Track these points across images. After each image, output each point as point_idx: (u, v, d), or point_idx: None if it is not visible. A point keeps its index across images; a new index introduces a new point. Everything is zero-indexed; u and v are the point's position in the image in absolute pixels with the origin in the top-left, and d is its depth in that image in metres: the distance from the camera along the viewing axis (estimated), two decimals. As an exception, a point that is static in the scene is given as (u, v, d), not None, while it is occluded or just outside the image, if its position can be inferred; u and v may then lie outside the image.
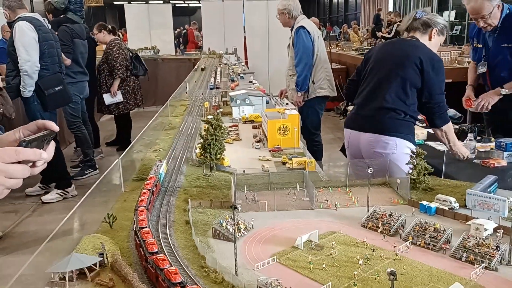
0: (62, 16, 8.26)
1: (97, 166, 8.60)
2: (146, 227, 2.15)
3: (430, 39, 4.12)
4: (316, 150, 7.28)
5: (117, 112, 9.60)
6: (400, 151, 3.97)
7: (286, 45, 7.51)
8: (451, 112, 5.52)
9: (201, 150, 3.40)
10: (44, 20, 7.01)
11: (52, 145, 1.60)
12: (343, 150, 4.63)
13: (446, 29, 4.21)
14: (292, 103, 7.80)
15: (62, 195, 7.48)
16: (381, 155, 3.96)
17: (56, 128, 1.62)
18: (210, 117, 3.33)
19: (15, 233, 6.28)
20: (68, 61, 8.01)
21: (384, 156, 3.91)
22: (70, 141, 10.20)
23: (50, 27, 7.14)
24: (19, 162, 1.43)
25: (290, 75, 7.53)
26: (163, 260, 1.84)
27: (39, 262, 2.10)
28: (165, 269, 1.77)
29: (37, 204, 7.40)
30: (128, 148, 3.59)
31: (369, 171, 2.57)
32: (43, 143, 1.54)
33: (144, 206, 2.43)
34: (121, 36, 20.97)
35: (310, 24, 7.01)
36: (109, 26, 9.61)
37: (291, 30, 7.26)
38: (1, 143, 1.56)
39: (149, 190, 2.70)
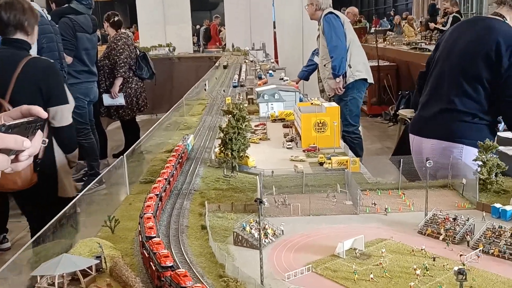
0: (65, 5, 8.26)
1: (103, 180, 8.67)
2: (155, 237, 2.04)
3: None
4: (355, 144, 7.46)
5: (117, 117, 9.57)
6: (468, 160, 3.78)
7: None
8: None
9: (221, 146, 3.38)
10: (43, 10, 7.07)
11: (40, 135, 1.53)
12: (396, 155, 4.54)
13: None
14: (329, 96, 7.90)
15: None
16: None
17: (43, 114, 1.54)
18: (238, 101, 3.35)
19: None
20: (69, 59, 7.75)
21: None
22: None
23: (50, 18, 7.18)
24: None
25: (325, 65, 7.77)
26: (184, 276, 1.69)
27: (24, 262, 2.07)
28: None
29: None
30: (134, 146, 3.59)
31: (427, 165, 2.45)
32: (27, 132, 1.46)
33: (157, 195, 2.42)
34: (130, 34, 21.48)
35: (338, 13, 7.77)
36: (114, 18, 9.54)
37: (318, 23, 7.77)
38: None
39: (165, 179, 2.77)
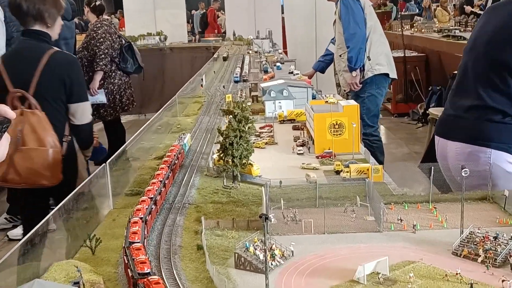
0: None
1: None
2: (138, 242, 2.14)
3: None
4: (375, 148, 7.43)
5: (98, 117, 9.57)
6: (498, 167, 3.74)
7: None
8: None
9: (220, 152, 3.38)
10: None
11: (6, 138, 1.57)
12: (425, 162, 4.53)
13: None
14: (345, 91, 7.90)
15: (10, 221, 7.59)
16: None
17: (11, 114, 1.58)
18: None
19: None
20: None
21: (475, 173, 3.71)
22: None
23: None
24: None
25: (340, 55, 7.74)
26: (157, 284, 1.80)
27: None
28: None
29: (2, 242, 7.53)
30: (118, 152, 3.59)
31: (463, 174, 2.44)
32: None
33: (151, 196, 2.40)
34: (115, 21, 21.47)
35: None
36: (96, 2, 9.58)
37: (336, 4, 7.69)
38: None
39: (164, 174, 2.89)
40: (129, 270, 1.97)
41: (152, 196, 2.81)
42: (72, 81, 4.68)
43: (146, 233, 2.47)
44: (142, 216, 2.55)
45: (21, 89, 4.47)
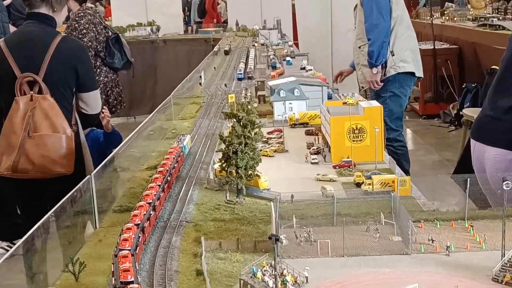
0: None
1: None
2: (131, 282, 2.12)
3: None
4: (399, 155, 7.40)
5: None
6: None
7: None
8: None
9: (222, 162, 3.39)
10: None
11: None
12: (459, 172, 4.52)
13: None
14: (362, 88, 7.90)
15: (7, 249, 7.60)
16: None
17: None
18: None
19: None
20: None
21: None
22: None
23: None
24: None
25: (360, 47, 7.73)
26: None
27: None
28: None
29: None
30: (105, 161, 3.61)
31: (504, 186, 2.44)
32: None
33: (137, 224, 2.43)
34: (101, 9, 21.53)
35: None
36: None
37: None
38: None
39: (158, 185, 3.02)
40: (113, 279, 2.07)
41: (145, 212, 2.83)
42: (83, 68, 4.90)
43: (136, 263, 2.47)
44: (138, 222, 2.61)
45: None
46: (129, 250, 2.40)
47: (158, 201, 3.09)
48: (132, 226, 2.67)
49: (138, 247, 2.53)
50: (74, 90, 4.87)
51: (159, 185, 3.20)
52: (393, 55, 7.47)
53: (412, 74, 7.69)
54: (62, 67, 4.77)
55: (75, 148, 4.74)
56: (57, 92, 4.71)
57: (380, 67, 7.44)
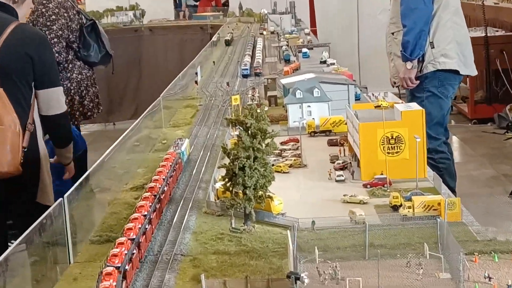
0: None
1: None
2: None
3: None
4: (441, 170, 7.32)
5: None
6: None
7: None
8: None
9: (226, 180, 3.38)
10: None
11: None
12: None
13: None
14: (394, 84, 7.85)
15: None
16: None
17: None
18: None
19: None
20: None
21: None
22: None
23: None
24: None
25: (393, 33, 7.66)
26: None
27: None
28: None
29: None
30: (81, 180, 3.60)
31: None
32: None
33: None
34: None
35: None
36: None
37: None
38: None
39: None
40: None
41: (126, 251, 2.82)
42: (43, 61, 5.10)
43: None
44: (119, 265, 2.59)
45: None
46: None
47: (144, 236, 3.07)
48: (112, 270, 2.66)
49: None
50: (32, 86, 5.02)
51: (145, 216, 3.16)
52: (432, 47, 7.33)
53: (456, 72, 7.62)
54: (15, 56, 4.98)
55: (30, 151, 4.86)
56: (10, 82, 4.88)
57: (415, 61, 7.37)
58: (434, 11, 7.33)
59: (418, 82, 7.49)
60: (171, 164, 3.84)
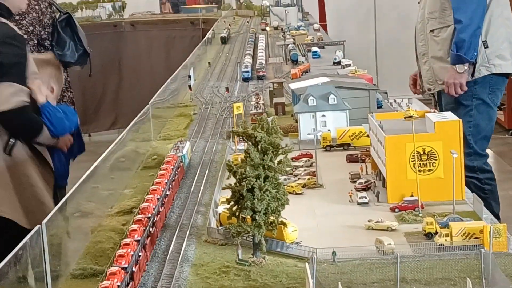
0: None
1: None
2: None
3: None
4: (486, 193, 7.26)
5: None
6: None
7: None
8: None
9: (232, 204, 3.39)
10: None
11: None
12: None
13: None
14: (429, 91, 7.79)
15: None
16: None
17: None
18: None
19: None
20: None
21: None
22: None
23: None
24: None
25: (431, 31, 7.57)
26: None
27: None
28: None
29: None
30: (60, 204, 3.59)
31: None
32: None
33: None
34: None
35: None
36: None
37: None
38: None
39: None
40: None
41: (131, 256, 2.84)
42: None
43: None
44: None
45: None
46: None
47: (137, 265, 3.08)
48: None
49: None
50: None
51: (132, 255, 3.12)
52: (486, 47, 7.23)
53: (507, 75, 7.55)
54: None
55: None
56: None
57: (467, 64, 7.22)
58: (487, 3, 7.22)
59: (466, 88, 7.41)
60: (172, 167, 4.05)
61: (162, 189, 3.86)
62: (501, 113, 15.08)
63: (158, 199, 3.76)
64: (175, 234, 3.69)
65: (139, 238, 3.23)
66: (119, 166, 5.14)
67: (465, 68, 7.19)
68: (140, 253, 3.15)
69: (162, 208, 3.77)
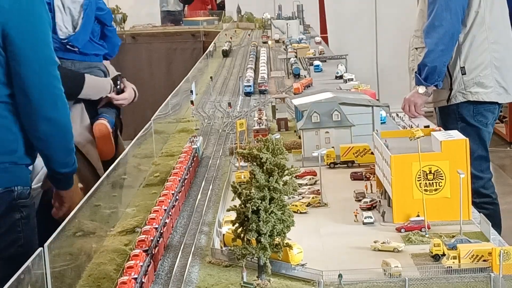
0: None
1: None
2: None
3: None
4: (488, 214, 7.23)
5: None
6: None
7: None
8: None
9: (236, 225, 3.37)
10: None
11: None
12: None
13: None
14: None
15: None
16: None
17: None
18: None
19: None
20: None
21: None
22: None
23: None
24: None
25: (416, 49, 7.60)
26: None
27: None
28: None
29: None
30: (63, 225, 3.56)
31: None
32: None
33: None
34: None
35: None
36: None
37: None
38: None
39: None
40: None
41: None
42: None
43: None
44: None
45: None
46: None
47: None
48: None
49: None
50: None
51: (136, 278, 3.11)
52: (463, 73, 7.27)
53: (495, 104, 7.44)
54: None
55: None
56: None
57: (431, 88, 7.20)
58: (467, 30, 7.23)
59: (423, 112, 7.42)
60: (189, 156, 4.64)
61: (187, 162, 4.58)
62: (502, 126, 15.09)
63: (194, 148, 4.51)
64: (178, 253, 3.69)
65: (148, 249, 3.30)
66: (121, 183, 5.12)
67: (426, 91, 7.22)
68: (143, 280, 3.14)
69: (196, 154, 4.76)
